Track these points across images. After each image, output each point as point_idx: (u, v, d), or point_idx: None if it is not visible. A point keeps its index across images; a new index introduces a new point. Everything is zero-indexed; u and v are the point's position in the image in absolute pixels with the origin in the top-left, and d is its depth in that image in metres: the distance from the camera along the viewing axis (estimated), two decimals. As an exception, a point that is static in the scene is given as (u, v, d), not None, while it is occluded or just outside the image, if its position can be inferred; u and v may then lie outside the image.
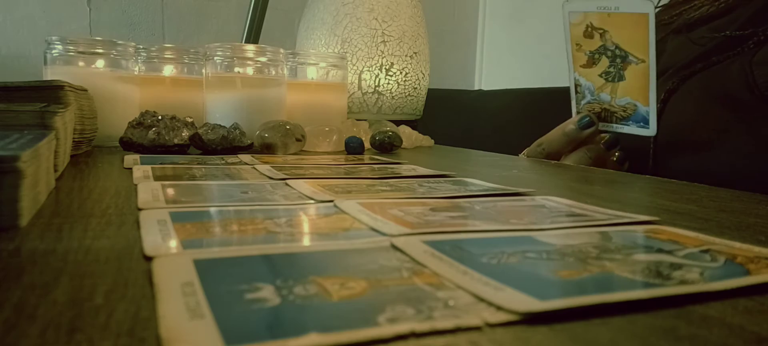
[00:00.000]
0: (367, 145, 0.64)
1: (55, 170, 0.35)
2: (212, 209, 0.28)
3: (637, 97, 0.57)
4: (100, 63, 0.63)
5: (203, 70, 0.66)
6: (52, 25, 1.30)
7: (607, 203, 0.33)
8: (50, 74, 0.60)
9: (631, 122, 0.59)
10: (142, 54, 0.69)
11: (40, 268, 0.18)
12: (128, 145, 0.55)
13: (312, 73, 0.74)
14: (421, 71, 0.89)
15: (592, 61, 0.60)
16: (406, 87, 0.87)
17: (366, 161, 0.53)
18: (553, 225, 0.26)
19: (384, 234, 0.23)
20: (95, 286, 0.17)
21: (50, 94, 0.43)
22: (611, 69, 0.59)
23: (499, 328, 0.14)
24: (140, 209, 0.27)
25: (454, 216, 0.28)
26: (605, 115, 0.61)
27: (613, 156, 0.63)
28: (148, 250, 0.20)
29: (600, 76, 0.60)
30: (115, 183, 0.36)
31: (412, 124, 0.81)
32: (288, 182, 0.37)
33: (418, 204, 0.30)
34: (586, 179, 0.46)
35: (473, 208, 0.30)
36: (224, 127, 0.56)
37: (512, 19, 1.64)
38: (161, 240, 0.21)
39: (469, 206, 0.31)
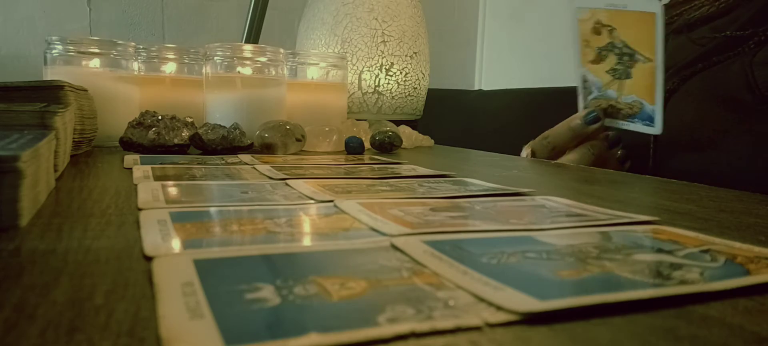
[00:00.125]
0: (367, 145, 0.64)
1: (55, 170, 0.35)
2: (212, 209, 0.28)
3: (644, 95, 0.57)
4: (100, 63, 0.63)
5: (203, 70, 0.66)
6: (52, 25, 1.30)
7: (607, 203, 0.33)
8: (50, 74, 0.60)
9: (636, 120, 0.58)
10: (142, 54, 0.69)
11: (40, 268, 0.18)
12: (128, 145, 0.55)
13: (312, 73, 0.74)
14: (421, 71, 0.89)
15: (599, 58, 0.60)
16: (406, 87, 0.87)
17: (366, 161, 0.53)
18: (553, 225, 0.26)
19: (384, 234, 0.23)
20: (95, 286, 0.17)
21: (50, 94, 0.43)
22: (619, 66, 0.59)
23: (499, 328, 0.14)
24: (140, 209, 0.27)
25: (454, 216, 0.28)
26: (611, 111, 0.61)
27: (616, 154, 0.63)
28: (148, 250, 0.20)
29: (607, 72, 0.60)
30: (115, 183, 0.36)
31: (412, 124, 0.81)
32: (288, 182, 0.37)
33: (418, 204, 0.30)
34: (586, 179, 0.46)
35: (473, 208, 0.30)
36: (224, 127, 0.56)
37: (512, 18, 1.64)
38: (161, 240, 0.21)
39: (469, 206, 0.31)
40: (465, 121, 1.36)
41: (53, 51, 0.61)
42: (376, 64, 0.85)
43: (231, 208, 0.28)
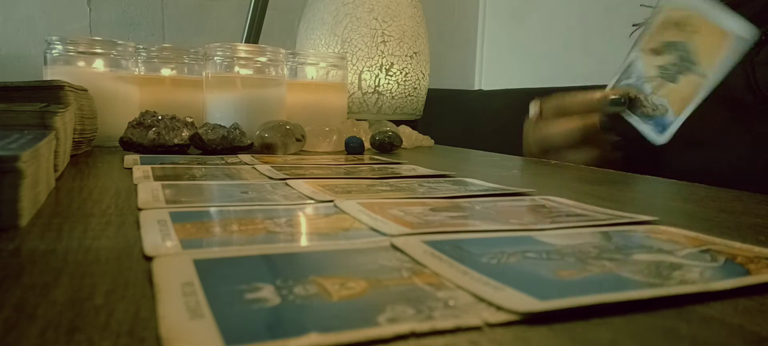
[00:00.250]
0: (367, 145, 0.64)
1: (55, 170, 0.35)
2: (212, 209, 0.28)
3: (675, 104, 0.56)
4: (100, 63, 0.63)
5: (203, 71, 0.66)
6: (52, 25, 1.30)
7: (607, 202, 0.33)
8: (50, 74, 0.60)
9: (650, 122, 0.58)
10: (142, 54, 0.69)
11: (40, 268, 0.18)
12: (128, 145, 0.55)
13: (312, 73, 0.74)
14: (421, 71, 0.89)
15: (660, 50, 0.58)
16: (406, 87, 0.87)
17: (366, 161, 0.53)
18: (553, 225, 0.26)
19: (384, 234, 0.23)
20: (95, 286, 0.17)
21: (50, 94, 0.43)
22: (672, 67, 0.57)
23: (499, 328, 0.14)
24: (140, 209, 0.27)
25: (454, 216, 0.28)
26: (635, 103, 0.59)
27: (612, 146, 0.62)
28: (148, 250, 0.20)
29: (658, 67, 0.58)
30: (115, 183, 0.36)
31: (412, 124, 0.81)
32: (288, 182, 0.37)
33: (418, 204, 0.30)
34: (586, 179, 0.46)
35: (473, 208, 0.30)
36: (224, 127, 0.56)
37: (512, 18, 1.64)
38: (161, 240, 0.21)
39: (469, 206, 0.31)
40: (465, 121, 1.36)
41: (53, 51, 0.61)
42: (376, 64, 0.85)
43: (231, 208, 0.28)
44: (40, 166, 0.28)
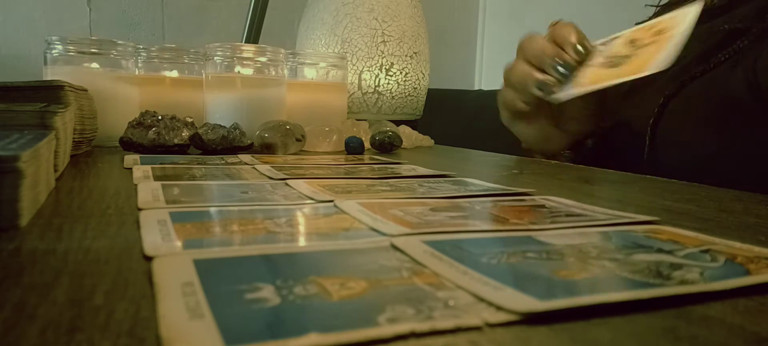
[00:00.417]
0: (367, 145, 0.64)
1: (55, 170, 0.35)
2: (212, 209, 0.28)
3: (583, 80, 0.56)
4: (100, 63, 0.63)
5: (203, 71, 0.66)
6: (52, 25, 1.30)
7: (607, 203, 0.33)
8: (50, 74, 0.60)
9: (565, 73, 0.57)
10: (142, 54, 0.69)
11: (40, 268, 0.18)
12: (128, 145, 0.55)
13: (312, 73, 0.74)
14: (421, 71, 0.89)
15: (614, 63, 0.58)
16: (406, 87, 0.87)
17: (366, 161, 0.53)
18: (553, 225, 0.26)
19: (384, 234, 0.23)
20: (95, 286, 0.17)
21: (50, 94, 0.43)
22: (629, 54, 0.57)
23: (499, 328, 0.14)
24: (140, 209, 0.27)
25: (454, 216, 0.28)
26: (578, 58, 0.58)
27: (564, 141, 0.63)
28: (148, 250, 0.20)
29: (625, 47, 0.58)
30: (115, 183, 0.36)
31: (412, 124, 0.81)
32: (288, 182, 0.37)
33: (418, 204, 0.30)
34: (586, 179, 0.46)
35: (473, 208, 0.30)
36: (224, 127, 0.56)
37: (512, 18, 1.64)
38: (161, 240, 0.21)
39: (469, 206, 0.31)
40: (465, 121, 1.36)
41: (53, 51, 0.61)
42: (376, 64, 0.85)
43: (231, 208, 0.28)
44: (40, 166, 0.28)
